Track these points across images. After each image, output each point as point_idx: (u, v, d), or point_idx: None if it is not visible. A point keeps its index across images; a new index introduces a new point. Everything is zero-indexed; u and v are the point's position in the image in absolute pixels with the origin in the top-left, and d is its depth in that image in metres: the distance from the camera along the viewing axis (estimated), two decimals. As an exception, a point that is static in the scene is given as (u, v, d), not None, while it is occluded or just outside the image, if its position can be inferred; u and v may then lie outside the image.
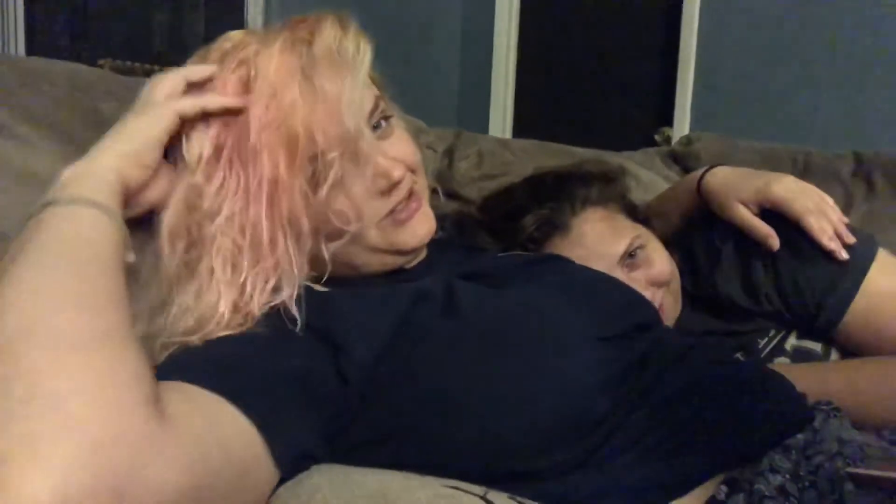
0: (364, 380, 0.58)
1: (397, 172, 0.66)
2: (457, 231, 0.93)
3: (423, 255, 0.75)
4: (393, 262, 0.71)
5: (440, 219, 0.75)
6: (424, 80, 2.59)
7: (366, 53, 0.65)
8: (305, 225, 0.60)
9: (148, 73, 1.12)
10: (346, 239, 0.65)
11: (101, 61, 1.87)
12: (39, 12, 2.87)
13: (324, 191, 0.61)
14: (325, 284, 0.65)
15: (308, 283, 0.63)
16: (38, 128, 0.73)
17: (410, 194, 0.69)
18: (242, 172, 0.59)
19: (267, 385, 0.53)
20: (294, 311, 0.58)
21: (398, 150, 0.69)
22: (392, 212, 0.68)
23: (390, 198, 0.68)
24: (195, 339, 0.56)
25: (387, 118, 0.69)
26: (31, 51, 2.81)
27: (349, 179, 0.64)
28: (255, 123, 0.59)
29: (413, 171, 0.71)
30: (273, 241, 0.59)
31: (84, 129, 0.76)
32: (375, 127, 0.67)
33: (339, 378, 0.58)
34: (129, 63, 1.88)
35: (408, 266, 0.73)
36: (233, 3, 3.14)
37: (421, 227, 0.70)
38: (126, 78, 0.91)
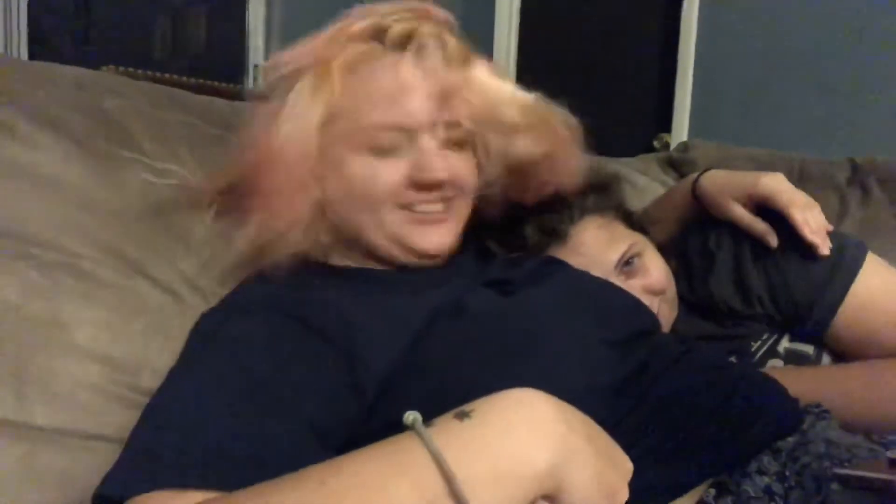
0: (378, 388, 0.60)
1: (440, 175, 0.70)
2: (464, 238, 0.94)
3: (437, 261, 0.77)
4: (402, 257, 0.74)
5: None
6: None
7: None
8: None
9: (151, 80, 1.13)
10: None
11: (104, 68, 1.88)
12: (43, 19, 2.89)
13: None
14: (337, 277, 0.67)
15: (322, 280, 0.64)
16: (43, 126, 0.73)
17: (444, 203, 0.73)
18: None
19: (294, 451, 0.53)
20: None
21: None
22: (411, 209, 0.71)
23: (418, 195, 0.71)
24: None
25: None
26: (34, 58, 2.83)
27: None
28: None
29: (461, 187, 0.74)
30: None
31: (88, 125, 0.77)
32: None
33: (355, 389, 0.59)
34: (131, 69, 1.90)
35: (423, 266, 0.75)
36: (234, 11, 3.16)
37: (433, 237, 0.73)
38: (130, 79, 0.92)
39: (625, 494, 0.48)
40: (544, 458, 0.44)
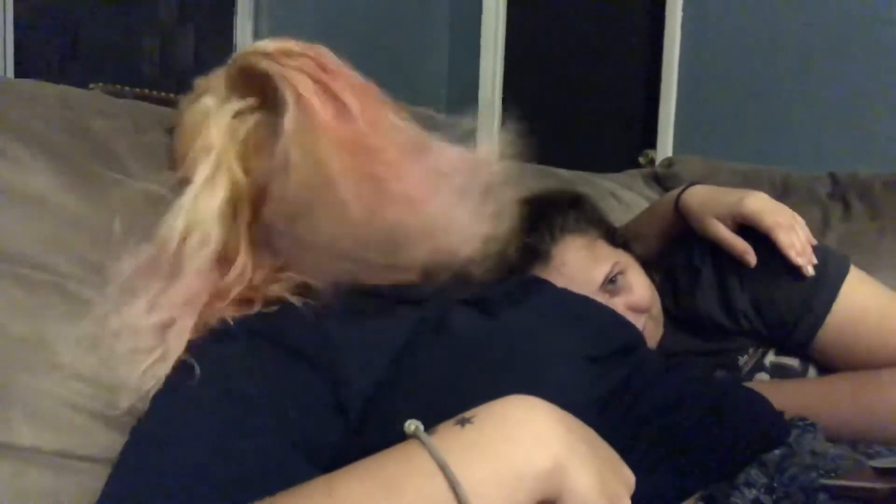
0: (362, 407, 0.59)
1: None
2: None
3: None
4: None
5: None
6: (411, 105, 2.61)
7: None
8: None
9: (138, 97, 1.13)
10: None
11: (91, 85, 1.88)
12: (30, 36, 2.88)
13: None
14: (314, 298, 0.66)
15: (305, 300, 0.64)
16: (29, 145, 0.73)
17: None
18: None
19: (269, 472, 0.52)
20: None
21: None
22: None
23: None
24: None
25: None
26: (20, 75, 2.82)
27: None
28: None
29: None
30: None
31: (74, 145, 0.77)
32: None
33: (337, 410, 0.58)
34: (119, 87, 1.90)
35: (406, 285, 0.75)
36: (222, 27, 3.17)
37: None
38: (116, 99, 0.92)
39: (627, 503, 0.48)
40: (546, 460, 0.45)
